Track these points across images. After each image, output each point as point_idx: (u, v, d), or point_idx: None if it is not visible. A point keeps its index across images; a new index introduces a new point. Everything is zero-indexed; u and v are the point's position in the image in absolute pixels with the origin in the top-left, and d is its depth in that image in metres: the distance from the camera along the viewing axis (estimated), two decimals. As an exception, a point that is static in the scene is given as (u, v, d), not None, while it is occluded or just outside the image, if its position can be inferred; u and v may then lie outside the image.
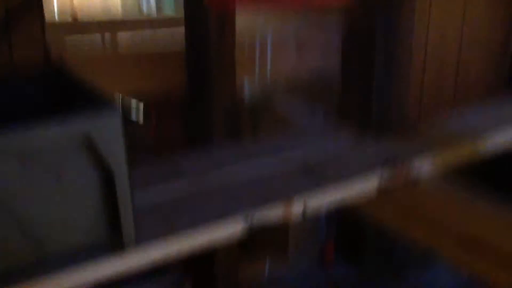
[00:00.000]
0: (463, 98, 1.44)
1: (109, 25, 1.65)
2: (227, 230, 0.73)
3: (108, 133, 0.60)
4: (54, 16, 2.01)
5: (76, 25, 1.77)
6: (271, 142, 0.99)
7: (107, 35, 1.63)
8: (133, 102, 1.67)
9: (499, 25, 1.37)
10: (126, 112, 1.66)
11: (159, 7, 2.30)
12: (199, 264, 1.32)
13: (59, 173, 0.59)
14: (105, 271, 0.63)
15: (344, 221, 1.65)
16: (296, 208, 0.78)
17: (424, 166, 0.90)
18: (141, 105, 1.65)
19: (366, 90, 1.34)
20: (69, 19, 1.99)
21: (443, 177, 0.93)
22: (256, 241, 1.55)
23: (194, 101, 1.34)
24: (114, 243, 0.64)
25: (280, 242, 1.66)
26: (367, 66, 1.26)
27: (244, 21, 1.38)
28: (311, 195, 0.79)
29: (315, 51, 1.52)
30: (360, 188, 0.84)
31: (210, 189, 0.80)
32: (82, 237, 0.62)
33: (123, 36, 1.65)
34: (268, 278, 1.73)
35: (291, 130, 1.04)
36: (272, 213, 0.76)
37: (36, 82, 0.77)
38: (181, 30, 1.40)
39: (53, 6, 2.04)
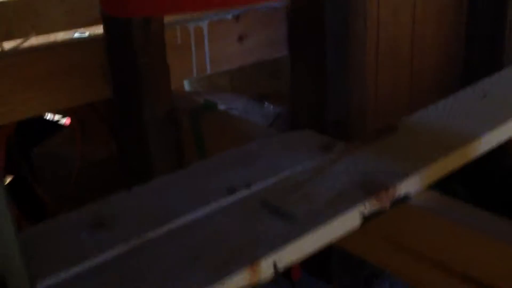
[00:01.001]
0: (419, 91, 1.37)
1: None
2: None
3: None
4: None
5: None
6: (216, 167, 0.80)
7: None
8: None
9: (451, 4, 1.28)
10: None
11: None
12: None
13: None
14: None
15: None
16: (265, 271, 0.60)
17: (412, 184, 0.73)
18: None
19: (318, 82, 1.18)
20: None
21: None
22: None
23: (123, 117, 1.13)
24: None
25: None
26: (317, 56, 1.12)
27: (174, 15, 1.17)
28: (283, 251, 0.61)
29: (260, 41, 1.33)
30: (341, 227, 0.67)
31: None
32: None
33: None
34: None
35: (238, 144, 0.85)
36: (232, 285, 0.57)
37: None
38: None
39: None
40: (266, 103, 1.47)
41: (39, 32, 1.26)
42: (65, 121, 1.64)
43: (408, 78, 1.52)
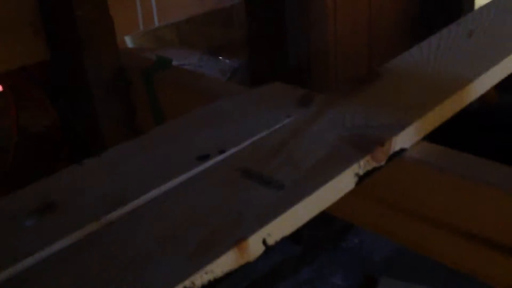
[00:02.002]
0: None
1: None
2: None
3: None
4: None
5: None
6: (180, 131, 0.70)
7: None
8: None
9: None
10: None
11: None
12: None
13: None
14: None
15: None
16: (254, 249, 0.52)
17: (408, 136, 0.66)
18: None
19: (277, 27, 1.10)
20: None
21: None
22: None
23: (63, 80, 1.00)
24: None
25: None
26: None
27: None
28: (272, 224, 0.53)
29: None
30: (336, 191, 0.59)
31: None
32: None
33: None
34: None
35: (200, 104, 0.75)
36: (218, 269, 0.49)
37: None
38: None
39: None
40: (221, 57, 1.37)
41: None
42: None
43: (366, 23, 1.46)
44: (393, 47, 1.47)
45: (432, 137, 0.70)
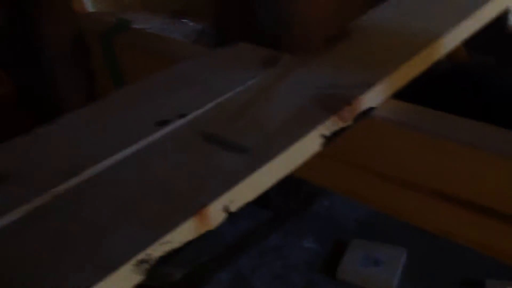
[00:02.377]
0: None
1: None
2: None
3: None
4: None
5: None
6: (140, 95, 0.67)
7: None
8: None
9: None
10: None
11: None
12: None
13: None
14: None
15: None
16: (216, 217, 0.49)
17: (376, 95, 0.64)
18: None
19: None
20: None
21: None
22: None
23: (16, 46, 0.96)
24: None
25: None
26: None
27: None
28: (236, 190, 0.50)
29: None
30: (302, 154, 0.56)
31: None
32: None
33: None
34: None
35: (162, 67, 0.72)
36: (176, 239, 0.46)
37: None
38: None
39: None
40: (185, 20, 1.32)
41: None
42: None
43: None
44: (366, 6, 1.44)
45: (402, 99, 0.68)
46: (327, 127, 0.58)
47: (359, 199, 0.72)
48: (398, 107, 0.66)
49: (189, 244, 0.47)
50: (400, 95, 0.67)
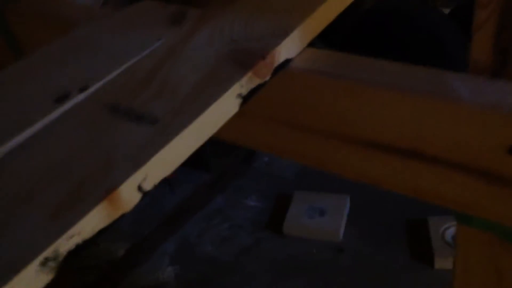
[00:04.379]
0: None
1: None
2: None
3: None
4: None
5: None
6: (36, 68, 0.62)
7: None
8: None
9: None
10: None
11: None
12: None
13: None
14: None
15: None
16: (129, 197, 0.46)
17: (292, 45, 0.61)
18: None
19: None
20: None
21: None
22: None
23: None
24: None
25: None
26: None
27: None
28: (148, 165, 0.47)
29: None
30: (218, 118, 0.53)
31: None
32: None
33: None
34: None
35: (62, 33, 0.67)
36: (86, 229, 0.43)
37: None
38: None
39: None
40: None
41: None
42: None
43: None
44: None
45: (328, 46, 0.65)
46: (243, 85, 0.55)
47: (286, 156, 0.70)
48: (316, 55, 0.63)
49: (102, 233, 0.44)
50: (326, 40, 0.64)
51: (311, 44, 0.64)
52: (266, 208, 2.01)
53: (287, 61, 0.60)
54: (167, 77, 0.57)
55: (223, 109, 0.54)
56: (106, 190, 0.44)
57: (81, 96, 0.55)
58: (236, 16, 0.64)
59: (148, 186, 0.47)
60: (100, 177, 0.45)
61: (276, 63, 0.58)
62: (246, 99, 0.56)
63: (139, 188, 0.46)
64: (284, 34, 0.59)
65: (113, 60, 0.60)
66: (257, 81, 0.56)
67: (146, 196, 0.47)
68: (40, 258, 0.39)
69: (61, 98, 0.55)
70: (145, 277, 1.75)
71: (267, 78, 0.57)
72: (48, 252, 0.39)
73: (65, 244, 0.40)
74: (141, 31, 0.66)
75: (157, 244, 1.86)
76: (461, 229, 0.66)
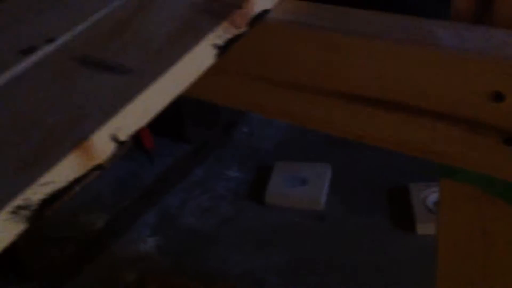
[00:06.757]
0: None
1: None
2: None
3: None
4: None
5: None
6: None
7: None
8: None
9: None
10: None
11: None
12: None
13: None
14: None
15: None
16: (103, 148, 0.45)
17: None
18: None
19: None
20: None
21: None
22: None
23: None
24: None
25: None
26: None
27: None
28: (121, 115, 0.46)
29: None
30: (193, 69, 0.52)
31: None
32: None
33: None
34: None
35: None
36: (59, 178, 0.42)
37: None
38: None
39: None
40: None
41: None
42: None
43: None
44: None
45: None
46: (219, 35, 0.54)
47: (267, 114, 0.69)
48: (296, 6, 0.62)
49: (79, 182, 0.43)
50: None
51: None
52: (247, 178, 2.01)
53: (265, 12, 0.59)
54: (139, 28, 0.56)
55: (199, 59, 0.53)
56: (78, 138, 0.43)
57: (48, 48, 0.54)
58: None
59: (123, 136, 0.46)
60: (71, 127, 0.44)
61: (253, 13, 0.57)
62: (222, 50, 0.55)
63: (114, 138, 0.45)
64: (259, -19, 0.58)
65: (82, 11, 0.59)
66: (233, 31, 0.55)
67: (122, 145, 0.46)
68: (11, 206, 0.38)
69: (27, 50, 0.54)
70: (126, 248, 1.74)
71: (244, 28, 0.56)
72: (19, 200, 0.38)
73: (37, 191, 0.39)
74: (112, -18, 0.64)
75: (137, 215, 1.85)
76: (445, 185, 0.66)
